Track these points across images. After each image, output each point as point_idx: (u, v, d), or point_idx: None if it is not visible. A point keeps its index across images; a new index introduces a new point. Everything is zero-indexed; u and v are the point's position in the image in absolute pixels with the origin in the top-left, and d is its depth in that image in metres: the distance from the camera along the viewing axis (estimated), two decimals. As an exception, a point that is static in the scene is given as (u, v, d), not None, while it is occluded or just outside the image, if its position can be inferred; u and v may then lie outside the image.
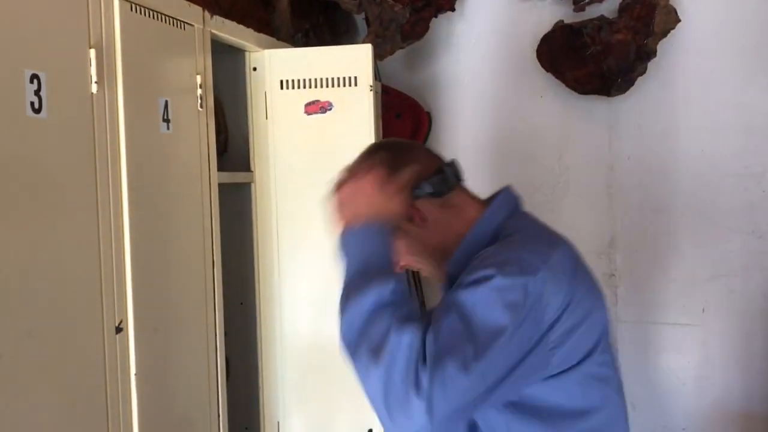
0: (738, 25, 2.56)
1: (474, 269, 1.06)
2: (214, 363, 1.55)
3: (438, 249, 1.21)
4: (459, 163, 1.28)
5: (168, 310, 1.40)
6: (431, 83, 2.97)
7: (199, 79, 1.49)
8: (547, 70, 2.64)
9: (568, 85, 2.61)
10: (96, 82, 1.18)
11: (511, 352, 1.00)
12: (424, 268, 1.26)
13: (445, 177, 1.20)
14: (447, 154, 3.11)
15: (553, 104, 2.72)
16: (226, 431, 1.59)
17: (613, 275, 2.75)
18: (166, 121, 1.38)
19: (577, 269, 1.15)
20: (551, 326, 1.04)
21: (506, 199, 1.27)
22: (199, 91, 1.49)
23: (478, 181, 2.68)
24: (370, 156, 1.20)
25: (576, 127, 2.76)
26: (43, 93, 1.07)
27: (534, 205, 2.90)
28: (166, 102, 1.38)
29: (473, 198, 1.26)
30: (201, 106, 1.50)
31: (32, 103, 1.05)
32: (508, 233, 1.17)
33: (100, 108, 1.20)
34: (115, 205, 1.24)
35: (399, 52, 2.67)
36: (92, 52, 1.18)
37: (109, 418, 1.22)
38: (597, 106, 2.66)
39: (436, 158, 1.26)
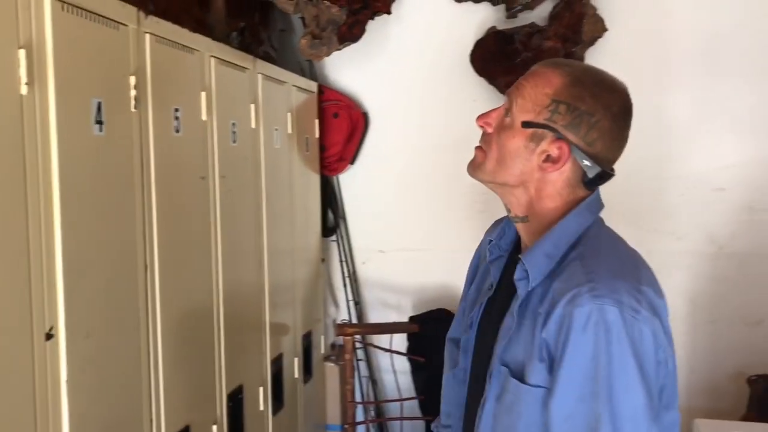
0: (660, 35, 2.68)
1: (573, 335, 1.09)
2: (147, 368, 1.53)
3: (526, 197, 1.22)
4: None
5: (101, 316, 1.37)
6: (368, 84, 3.00)
7: (133, 80, 1.46)
8: (480, 75, 2.71)
9: (500, 90, 2.68)
10: (26, 83, 1.15)
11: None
12: (489, 169, 1.23)
13: (602, 175, 1.20)
14: (381, 154, 3.16)
15: (486, 108, 2.78)
16: (161, 436, 1.57)
17: (543, 274, 2.84)
18: (99, 122, 1.35)
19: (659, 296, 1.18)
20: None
21: (595, 202, 1.24)
22: (134, 92, 1.46)
23: (410, 183, 2.72)
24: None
25: (508, 131, 2.84)
26: (-30, 95, 1.03)
27: (467, 204, 2.96)
28: (99, 103, 1.35)
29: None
30: (135, 108, 1.47)
31: (-40, 106, 1.02)
32: (590, 248, 1.18)
33: (29, 110, 1.17)
34: (47, 208, 1.21)
35: (337, 53, 2.68)
36: (22, 53, 1.14)
37: (37, 428, 1.20)
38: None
39: (617, 159, 1.22)
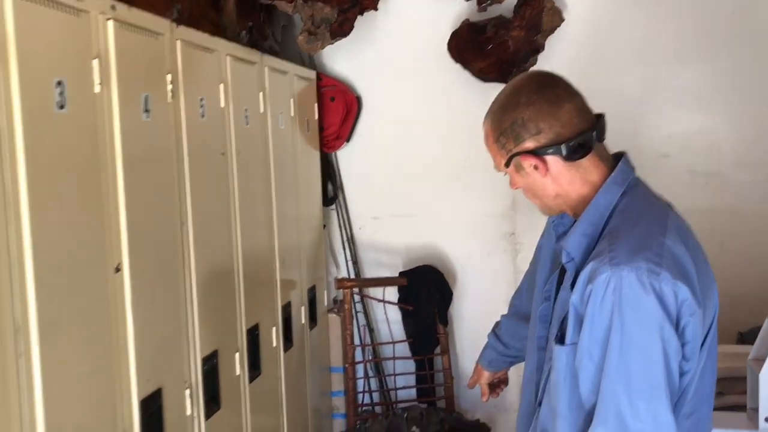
0: (612, 24, 3.09)
1: (590, 311, 1.25)
2: (184, 302, 1.97)
3: (560, 197, 1.42)
4: (602, 125, 1.42)
5: (152, 258, 1.81)
6: (361, 71, 3.42)
7: (169, 77, 1.89)
8: (456, 61, 3.12)
9: (473, 74, 3.09)
10: (99, 84, 1.58)
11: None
12: (536, 204, 1.50)
13: (574, 146, 1.36)
14: (373, 132, 3.60)
15: (462, 90, 3.20)
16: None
17: (513, 234, 3.28)
18: (147, 111, 1.78)
19: (687, 259, 1.28)
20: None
21: (621, 174, 1.39)
22: (170, 86, 1.89)
23: (399, 156, 3.15)
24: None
25: (481, 110, 3.25)
26: (65, 94, 1.46)
27: (450, 174, 3.44)
28: (146, 96, 1.78)
29: (602, 158, 1.41)
30: (171, 98, 1.90)
31: (58, 102, 1.45)
32: (618, 222, 1.33)
33: (100, 104, 1.60)
34: (113, 177, 1.64)
35: (334, 45, 3.08)
36: (95, 62, 1.57)
37: (111, 338, 1.63)
38: (497, 91, 3.15)
39: (579, 122, 1.37)
